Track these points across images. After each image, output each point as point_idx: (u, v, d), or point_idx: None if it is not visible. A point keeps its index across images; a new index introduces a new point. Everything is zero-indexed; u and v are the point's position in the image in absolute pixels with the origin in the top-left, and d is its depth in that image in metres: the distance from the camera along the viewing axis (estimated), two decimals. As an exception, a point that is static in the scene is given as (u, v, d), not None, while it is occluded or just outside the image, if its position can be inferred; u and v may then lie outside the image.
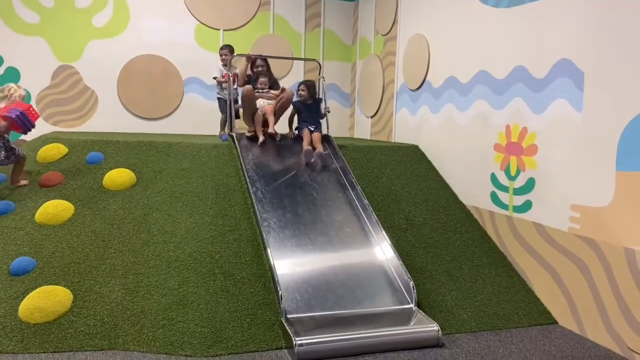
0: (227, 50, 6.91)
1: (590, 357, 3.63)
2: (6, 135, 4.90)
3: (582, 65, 4.02)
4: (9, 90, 4.96)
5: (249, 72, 6.47)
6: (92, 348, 3.50)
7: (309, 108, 6.24)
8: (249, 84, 6.22)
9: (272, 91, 6.32)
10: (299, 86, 6.30)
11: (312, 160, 5.75)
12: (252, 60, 6.41)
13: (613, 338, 3.74)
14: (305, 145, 5.86)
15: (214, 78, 6.94)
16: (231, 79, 6.38)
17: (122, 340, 3.56)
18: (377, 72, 7.94)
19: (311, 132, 6.05)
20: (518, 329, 4.13)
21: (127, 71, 7.97)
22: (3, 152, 4.85)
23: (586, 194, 3.99)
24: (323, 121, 6.36)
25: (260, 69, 6.43)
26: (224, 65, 6.87)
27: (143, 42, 8.04)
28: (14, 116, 4.77)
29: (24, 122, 4.87)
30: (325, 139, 6.20)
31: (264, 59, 6.52)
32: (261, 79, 6.32)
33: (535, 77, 4.52)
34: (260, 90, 6.26)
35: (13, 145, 4.98)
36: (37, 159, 5.27)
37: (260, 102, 6.18)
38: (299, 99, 6.26)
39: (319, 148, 5.89)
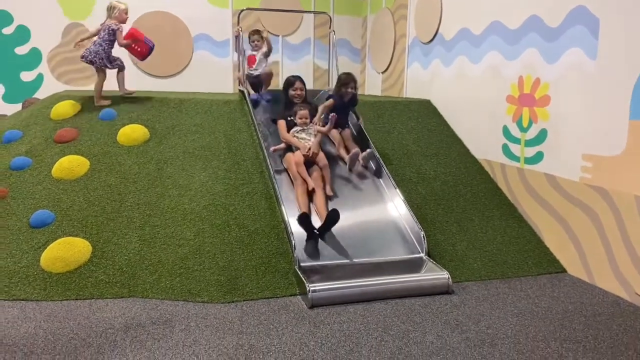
0: (259, 36, 6.17)
1: (599, 303, 3.70)
2: (107, 51, 5.40)
3: (597, 12, 3.95)
4: (114, 9, 5.43)
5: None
6: (113, 295, 3.63)
7: (343, 106, 5.30)
8: (285, 116, 5.06)
9: (317, 127, 4.92)
10: (347, 83, 5.19)
11: (360, 164, 4.97)
12: (288, 81, 5.43)
13: (622, 285, 3.79)
14: (342, 152, 5.08)
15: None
16: (241, 33, 6.29)
17: (141, 288, 3.69)
18: (389, 26, 7.82)
19: (340, 131, 5.27)
20: (527, 277, 4.21)
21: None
22: (100, 60, 5.39)
23: (598, 144, 3.98)
24: (334, 75, 6.27)
25: (298, 92, 5.29)
26: (254, 49, 6.16)
27: (152, -2, 7.97)
28: (150, 45, 5.56)
29: (150, 53, 5.63)
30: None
31: (302, 81, 5.36)
32: (301, 111, 4.93)
33: (549, 26, 4.44)
34: (300, 125, 4.95)
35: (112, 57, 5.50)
36: (51, 115, 5.31)
37: (302, 136, 4.88)
38: (338, 96, 5.22)
39: (353, 148, 5.01)
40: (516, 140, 4.90)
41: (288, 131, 4.97)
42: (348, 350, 2.96)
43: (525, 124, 4.77)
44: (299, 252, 3.98)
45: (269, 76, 6.14)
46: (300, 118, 4.89)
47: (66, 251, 3.84)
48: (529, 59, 4.70)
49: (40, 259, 3.82)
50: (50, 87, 7.40)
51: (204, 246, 3.97)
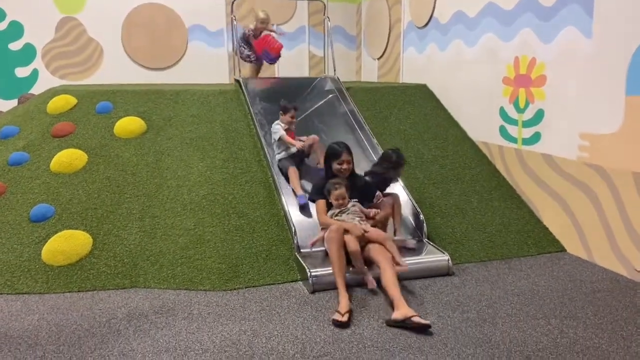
0: (295, 113, 4.85)
1: (598, 280, 3.72)
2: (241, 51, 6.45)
3: (591, -10, 3.94)
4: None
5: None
6: (115, 286, 3.65)
7: (380, 183, 4.32)
8: (324, 195, 3.96)
9: (359, 206, 3.95)
10: (399, 166, 4.30)
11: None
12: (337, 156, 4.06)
13: (621, 262, 3.81)
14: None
15: (278, 139, 4.74)
16: (235, 22, 6.25)
17: (143, 279, 3.71)
18: (383, 11, 7.78)
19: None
20: (527, 257, 4.23)
21: (130, 21, 7.89)
22: (253, 56, 6.46)
23: (595, 122, 3.99)
24: (329, 63, 6.24)
25: (345, 166, 4.04)
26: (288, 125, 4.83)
27: (144, -10, 7.92)
28: (266, 59, 6.50)
29: (273, 60, 6.56)
30: (333, 81, 6.15)
31: (349, 151, 4.09)
32: (336, 191, 3.85)
33: (544, 5, 4.43)
34: (337, 207, 3.91)
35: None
36: (47, 110, 5.30)
37: (341, 218, 3.86)
38: (380, 174, 4.29)
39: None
40: (513, 122, 4.90)
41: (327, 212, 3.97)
42: (350, 333, 2.98)
43: (522, 104, 4.76)
44: (299, 238, 3.99)
45: (316, 141, 4.84)
46: (337, 199, 3.86)
47: (67, 244, 3.85)
48: (525, 40, 4.69)
49: (41, 253, 3.83)
50: (45, 82, 7.38)
51: (204, 235, 3.98)
